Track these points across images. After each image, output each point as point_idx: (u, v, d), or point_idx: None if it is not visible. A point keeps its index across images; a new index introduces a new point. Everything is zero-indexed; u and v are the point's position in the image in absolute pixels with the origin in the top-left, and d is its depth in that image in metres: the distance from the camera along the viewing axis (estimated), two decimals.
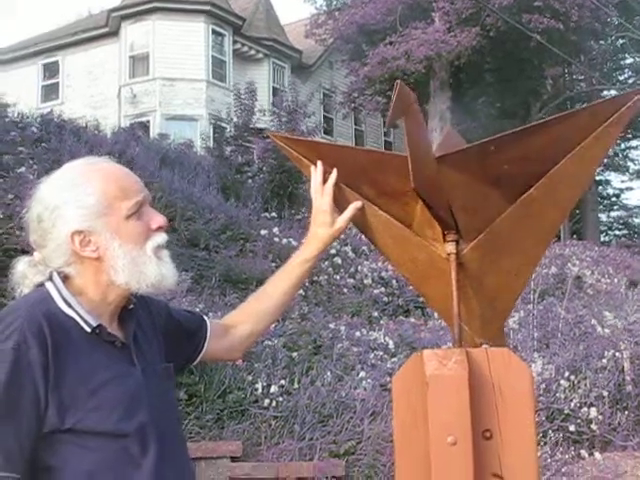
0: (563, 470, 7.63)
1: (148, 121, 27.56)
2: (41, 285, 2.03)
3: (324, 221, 2.36)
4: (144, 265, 2.03)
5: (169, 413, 2.13)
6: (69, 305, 1.97)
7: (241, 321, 2.51)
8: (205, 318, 2.48)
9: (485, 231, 2.04)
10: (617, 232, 43.48)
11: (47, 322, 1.89)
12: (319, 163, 2.29)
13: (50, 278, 2.03)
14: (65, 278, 2.03)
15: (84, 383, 1.90)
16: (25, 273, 2.07)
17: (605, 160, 41.29)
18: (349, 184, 2.28)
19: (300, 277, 2.52)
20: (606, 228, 43.56)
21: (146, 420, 1.97)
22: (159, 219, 2.09)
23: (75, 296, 2.00)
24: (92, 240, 2.01)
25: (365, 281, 12.70)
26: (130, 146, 14.99)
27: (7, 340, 1.84)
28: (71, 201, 2.01)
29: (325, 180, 2.29)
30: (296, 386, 7.76)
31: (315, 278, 11.85)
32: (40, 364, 1.84)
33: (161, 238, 2.08)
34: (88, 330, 1.96)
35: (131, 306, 2.14)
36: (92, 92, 29.78)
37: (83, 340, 1.95)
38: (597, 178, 39.35)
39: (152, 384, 2.06)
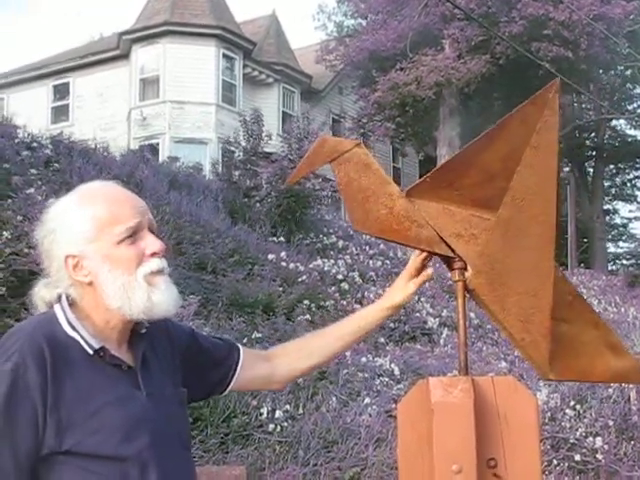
0: None
1: (157, 144, 27.66)
2: (52, 306, 2.03)
3: (398, 285, 2.39)
4: (133, 291, 1.99)
5: (175, 438, 2.09)
6: (73, 328, 1.97)
7: (288, 353, 2.50)
8: (238, 346, 2.45)
9: (481, 256, 2.01)
10: (625, 262, 43.40)
11: (48, 343, 1.89)
12: None
13: (59, 300, 2.02)
14: (72, 301, 2.03)
15: (83, 404, 1.89)
16: (41, 293, 2.07)
17: (613, 189, 41.34)
18: None
19: (368, 324, 2.50)
20: (613, 258, 43.51)
21: (147, 444, 1.95)
22: (154, 245, 2.05)
23: (80, 320, 1.99)
24: (84, 265, 2.01)
25: None
26: (139, 168, 15.00)
27: (6, 362, 1.84)
28: (66, 225, 2.02)
29: None
30: (301, 411, 7.73)
31: (322, 303, 11.83)
32: (38, 385, 1.84)
33: (155, 264, 2.03)
34: (90, 352, 1.95)
35: (143, 330, 2.12)
36: (102, 114, 29.93)
37: (85, 362, 1.94)
38: (605, 207, 39.34)
39: (158, 408, 2.03)
